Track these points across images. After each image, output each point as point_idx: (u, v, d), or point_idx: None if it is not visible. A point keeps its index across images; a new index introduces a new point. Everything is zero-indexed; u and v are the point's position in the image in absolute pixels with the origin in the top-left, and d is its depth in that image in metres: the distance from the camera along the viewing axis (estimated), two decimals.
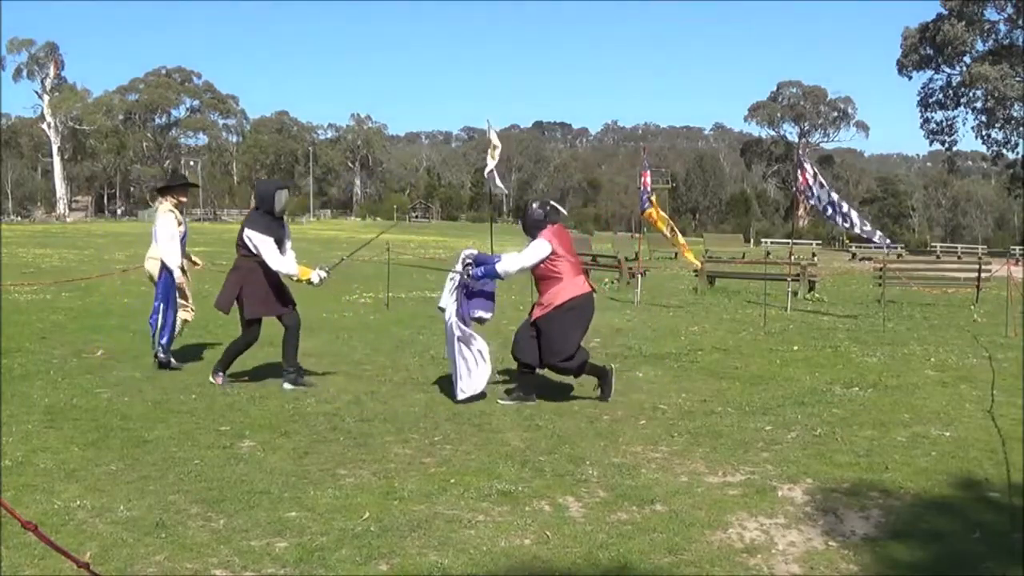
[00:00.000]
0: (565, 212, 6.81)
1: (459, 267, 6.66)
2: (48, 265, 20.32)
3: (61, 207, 79.86)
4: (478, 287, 6.69)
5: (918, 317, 12.73)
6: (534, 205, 6.65)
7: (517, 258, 6.50)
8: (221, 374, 6.96)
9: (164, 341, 7.48)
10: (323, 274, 7.06)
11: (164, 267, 7.45)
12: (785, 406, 6.48)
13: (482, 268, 6.53)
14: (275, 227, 6.85)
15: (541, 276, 6.49)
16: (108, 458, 4.90)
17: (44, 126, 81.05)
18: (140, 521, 3.94)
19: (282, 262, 6.82)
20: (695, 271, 16.46)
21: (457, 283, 6.64)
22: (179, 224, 7.60)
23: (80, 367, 7.57)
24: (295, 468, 4.79)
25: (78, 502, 4.15)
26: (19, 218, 74.22)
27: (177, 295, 7.62)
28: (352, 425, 5.76)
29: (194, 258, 8.25)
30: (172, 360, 7.60)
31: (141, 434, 5.41)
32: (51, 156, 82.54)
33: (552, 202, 6.73)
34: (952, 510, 4.28)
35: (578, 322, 6.48)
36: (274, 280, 6.90)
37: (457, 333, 6.48)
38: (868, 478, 4.75)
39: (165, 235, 7.45)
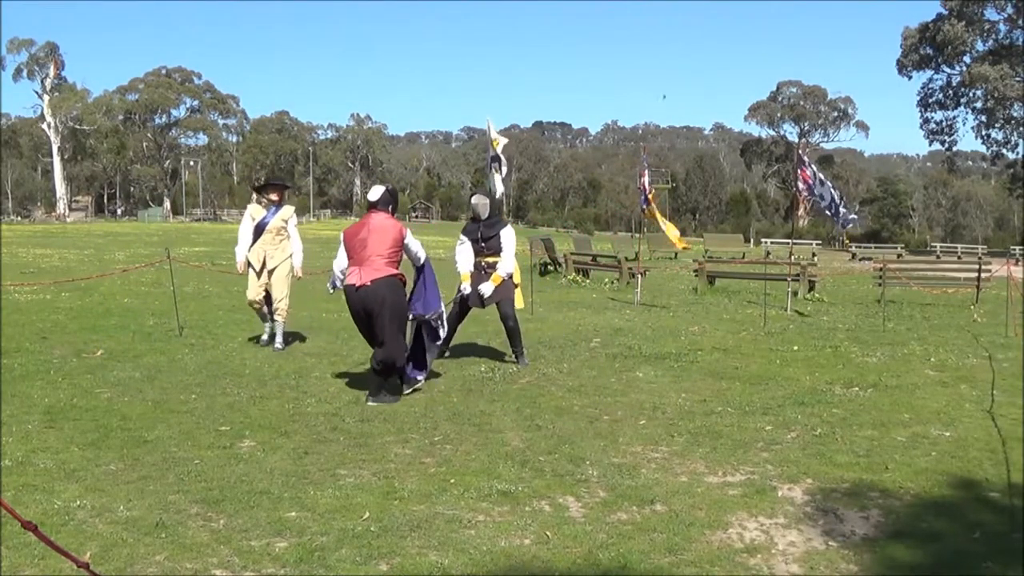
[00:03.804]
0: (373, 197, 6.70)
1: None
2: (48, 265, 20.31)
3: (61, 207, 79.88)
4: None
5: (918, 317, 12.72)
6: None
7: None
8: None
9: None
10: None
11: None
12: (785, 406, 6.48)
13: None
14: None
15: None
16: (108, 458, 4.90)
17: (44, 126, 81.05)
18: (140, 521, 3.94)
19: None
20: (681, 253, 16.42)
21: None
22: (252, 220, 8.77)
23: (80, 367, 7.57)
24: (295, 468, 4.79)
25: (78, 502, 4.15)
26: (19, 218, 74.25)
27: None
28: (352, 425, 5.76)
29: (298, 271, 8.94)
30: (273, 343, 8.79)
31: (141, 434, 5.41)
32: (51, 156, 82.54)
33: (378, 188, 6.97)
34: (952, 510, 4.28)
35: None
36: None
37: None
38: (868, 478, 4.74)
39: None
